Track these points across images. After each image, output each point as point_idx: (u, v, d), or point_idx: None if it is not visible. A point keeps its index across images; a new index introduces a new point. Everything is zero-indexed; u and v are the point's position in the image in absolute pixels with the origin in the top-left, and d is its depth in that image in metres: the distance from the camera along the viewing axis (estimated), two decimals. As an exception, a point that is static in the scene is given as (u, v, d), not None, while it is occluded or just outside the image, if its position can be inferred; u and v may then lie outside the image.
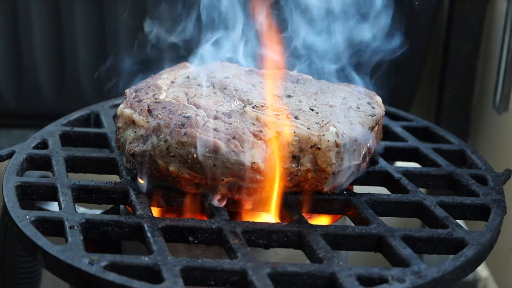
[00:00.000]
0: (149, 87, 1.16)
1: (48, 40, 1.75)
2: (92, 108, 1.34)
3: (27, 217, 0.99)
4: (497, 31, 1.70)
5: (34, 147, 1.19)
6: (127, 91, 1.17)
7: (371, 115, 1.12)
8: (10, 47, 1.75)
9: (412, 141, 1.28)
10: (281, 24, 1.22)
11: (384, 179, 1.18)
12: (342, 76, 1.24)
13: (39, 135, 1.23)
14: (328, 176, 1.05)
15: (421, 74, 1.84)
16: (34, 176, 1.15)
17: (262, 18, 1.18)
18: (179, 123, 1.05)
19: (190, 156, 1.03)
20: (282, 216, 1.06)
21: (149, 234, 0.97)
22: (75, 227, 0.98)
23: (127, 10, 1.71)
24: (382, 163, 1.19)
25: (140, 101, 1.12)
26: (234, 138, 1.03)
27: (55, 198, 1.07)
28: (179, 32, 1.27)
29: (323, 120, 1.07)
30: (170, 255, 0.93)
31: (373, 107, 1.15)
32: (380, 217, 1.05)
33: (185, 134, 1.03)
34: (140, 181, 1.08)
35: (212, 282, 0.91)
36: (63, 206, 1.03)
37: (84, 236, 0.97)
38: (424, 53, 1.80)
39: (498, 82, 1.62)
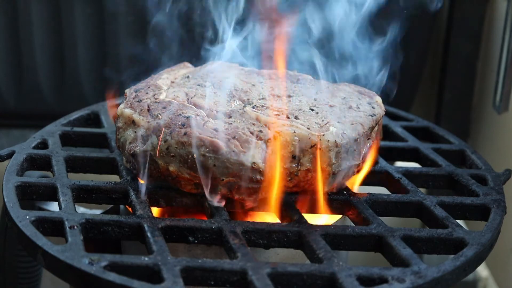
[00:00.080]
0: (149, 87, 1.16)
1: (48, 40, 1.75)
2: (92, 108, 1.34)
3: (27, 217, 0.99)
4: (497, 31, 1.70)
5: (34, 147, 1.19)
6: (127, 91, 1.17)
7: (371, 115, 1.12)
8: (10, 47, 1.75)
9: (412, 141, 1.29)
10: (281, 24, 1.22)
11: (384, 179, 1.18)
12: (343, 76, 1.24)
13: (39, 135, 1.23)
14: (328, 176, 1.05)
15: (421, 74, 1.84)
16: (34, 176, 1.15)
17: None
18: (179, 123, 1.05)
19: (190, 156, 1.03)
20: (282, 216, 1.06)
21: (149, 234, 0.97)
22: (75, 227, 0.98)
23: (127, 10, 1.71)
24: (382, 163, 1.19)
25: (140, 101, 1.12)
26: (234, 138, 1.03)
27: (55, 198, 1.07)
28: (180, 32, 1.27)
29: (323, 120, 1.07)
30: (170, 255, 0.93)
31: (373, 107, 1.15)
32: (380, 217, 1.05)
33: (185, 134, 1.03)
34: (140, 181, 1.08)
35: (212, 282, 0.91)
36: (63, 206, 1.03)
37: (84, 236, 0.97)
38: (424, 53, 1.80)
39: (498, 82, 1.62)
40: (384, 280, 0.91)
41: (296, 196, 1.08)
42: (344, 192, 1.10)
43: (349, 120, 1.09)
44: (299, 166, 1.04)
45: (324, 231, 1.00)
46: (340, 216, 1.12)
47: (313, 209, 1.08)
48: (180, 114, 1.06)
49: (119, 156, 1.16)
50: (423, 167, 1.23)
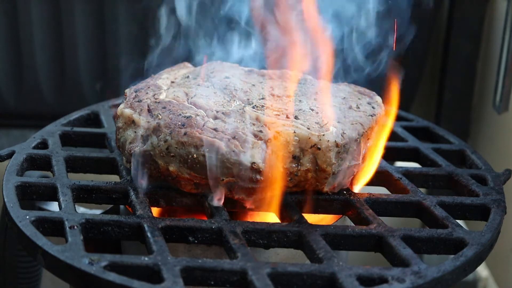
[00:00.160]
0: (149, 87, 1.16)
1: (48, 40, 1.75)
2: (92, 108, 1.34)
3: (27, 217, 0.99)
4: (497, 31, 1.70)
5: (34, 147, 1.19)
6: (127, 91, 1.17)
7: (371, 115, 1.12)
8: (10, 47, 1.75)
9: (412, 141, 1.29)
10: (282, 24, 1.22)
11: (384, 179, 1.17)
12: (343, 76, 1.24)
13: (39, 135, 1.23)
14: (328, 176, 1.05)
15: (421, 74, 1.84)
16: (34, 176, 1.15)
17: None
18: (179, 123, 1.05)
19: (190, 156, 1.03)
20: (282, 216, 1.06)
21: (149, 234, 0.97)
22: (75, 227, 0.98)
23: (127, 10, 1.71)
24: (382, 163, 1.19)
25: (140, 101, 1.12)
26: (234, 138, 1.03)
27: (55, 198, 1.07)
28: (180, 32, 1.27)
29: (323, 120, 1.07)
30: (170, 255, 0.93)
31: (373, 107, 1.15)
32: (380, 217, 1.05)
33: (185, 134, 1.03)
34: (140, 181, 1.08)
35: (212, 282, 0.91)
36: (63, 206, 1.03)
37: (84, 236, 0.97)
38: (424, 53, 1.80)
39: (498, 82, 1.62)
40: (384, 280, 0.91)
41: (296, 196, 1.08)
42: (344, 192, 1.10)
43: (349, 120, 1.09)
44: (299, 166, 1.04)
45: (324, 231, 1.00)
46: (340, 216, 1.12)
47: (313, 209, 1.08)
48: (180, 114, 1.06)
49: (119, 156, 1.16)
50: (423, 167, 1.23)
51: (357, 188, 1.14)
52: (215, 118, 1.07)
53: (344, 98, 1.16)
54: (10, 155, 1.16)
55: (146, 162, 1.05)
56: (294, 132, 1.04)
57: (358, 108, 1.13)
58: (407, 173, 1.17)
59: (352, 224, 1.07)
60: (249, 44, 1.25)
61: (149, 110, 1.08)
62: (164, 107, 1.08)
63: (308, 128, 1.05)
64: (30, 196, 1.09)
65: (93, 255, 0.91)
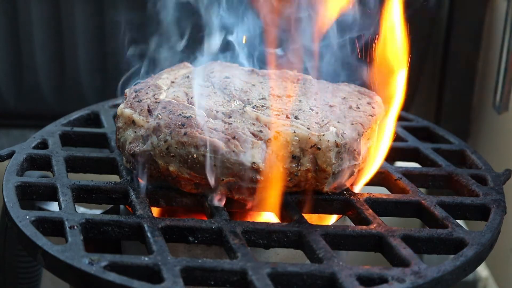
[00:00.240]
0: (149, 87, 1.16)
1: (48, 40, 1.75)
2: (92, 108, 1.34)
3: (27, 217, 0.99)
4: (497, 31, 1.70)
5: (34, 147, 1.19)
6: (127, 91, 1.17)
7: (371, 115, 1.12)
8: (10, 47, 1.75)
9: (412, 141, 1.29)
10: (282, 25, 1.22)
11: (384, 179, 1.18)
12: (343, 76, 1.24)
13: (39, 135, 1.23)
14: (328, 176, 1.05)
15: (421, 74, 1.84)
16: (34, 176, 1.15)
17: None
18: (179, 123, 1.05)
19: (190, 156, 1.03)
20: (282, 216, 1.06)
21: (149, 234, 0.97)
22: (75, 227, 0.98)
23: (127, 10, 1.71)
24: (382, 163, 1.19)
25: (140, 101, 1.12)
26: (234, 138, 1.03)
27: (55, 198, 1.07)
28: (180, 32, 1.27)
29: (323, 120, 1.07)
30: (170, 255, 0.93)
31: (373, 107, 1.15)
32: (380, 217, 1.05)
33: (185, 134, 1.03)
34: (140, 181, 1.08)
35: (212, 282, 0.91)
36: (63, 206, 1.03)
37: (84, 236, 0.97)
38: (424, 53, 1.80)
39: (498, 82, 1.62)
40: (384, 280, 0.91)
41: (296, 196, 1.08)
42: (344, 192, 1.10)
43: (349, 120, 1.09)
44: (299, 166, 1.04)
45: (324, 231, 1.00)
46: (340, 216, 1.12)
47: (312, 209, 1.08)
48: (180, 114, 1.06)
49: (119, 156, 1.16)
50: (423, 167, 1.23)
51: (357, 188, 1.14)
52: (215, 118, 1.07)
53: (344, 98, 1.16)
54: (10, 155, 1.16)
55: (146, 162, 1.05)
56: (294, 132, 1.04)
57: (358, 108, 1.13)
58: (407, 173, 1.17)
59: (352, 224, 1.07)
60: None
61: (149, 110, 1.08)
62: (164, 107, 1.08)
63: (308, 128, 1.05)
64: (30, 196, 1.09)
65: (93, 255, 0.91)
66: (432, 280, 0.91)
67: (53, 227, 1.00)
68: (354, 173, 1.10)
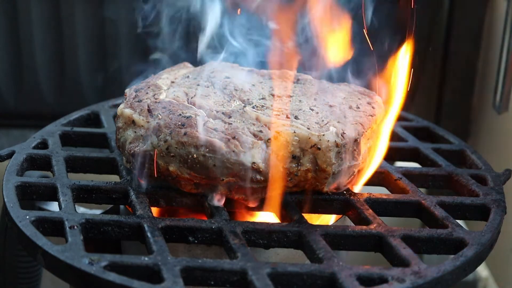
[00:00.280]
0: (149, 87, 1.16)
1: (48, 40, 1.75)
2: (92, 108, 1.34)
3: (27, 217, 0.99)
4: (497, 31, 1.70)
5: (34, 147, 1.19)
6: (127, 91, 1.17)
7: (371, 115, 1.12)
8: (10, 47, 1.75)
9: (412, 141, 1.29)
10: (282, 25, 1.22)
11: (384, 179, 1.18)
12: (343, 76, 1.24)
13: (39, 135, 1.23)
14: (328, 176, 1.05)
15: (421, 74, 1.83)
16: (34, 176, 1.15)
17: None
18: (179, 123, 1.05)
19: (190, 156, 1.03)
20: (282, 216, 1.06)
21: (149, 234, 0.97)
22: (75, 227, 0.98)
23: (127, 10, 1.71)
24: (382, 163, 1.19)
25: (140, 101, 1.12)
26: (234, 138, 1.03)
27: (55, 198, 1.07)
28: (180, 31, 1.27)
29: (323, 120, 1.07)
30: (170, 255, 0.93)
31: (373, 107, 1.15)
32: (380, 217, 1.05)
33: (185, 134, 1.03)
34: (140, 181, 1.08)
35: (212, 282, 0.91)
36: (63, 206, 1.03)
37: (84, 236, 0.97)
38: (424, 53, 1.80)
39: (498, 82, 1.62)
40: (384, 280, 0.91)
41: (296, 196, 1.08)
42: (344, 192, 1.10)
43: (349, 120, 1.09)
44: (299, 166, 1.04)
45: (324, 231, 1.00)
46: (340, 216, 1.12)
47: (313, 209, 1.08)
48: (180, 114, 1.06)
49: (119, 156, 1.16)
50: (423, 167, 1.23)
51: (357, 188, 1.14)
52: (215, 118, 1.07)
53: (344, 98, 1.16)
54: (10, 155, 1.16)
55: (146, 162, 1.05)
56: (294, 132, 1.04)
57: (358, 108, 1.13)
58: (407, 173, 1.17)
59: (352, 224, 1.07)
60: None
61: (149, 110, 1.08)
62: (164, 107, 1.08)
63: (308, 128, 1.05)
64: (30, 196, 1.09)
65: (93, 255, 0.91)
66: (432, 280, 0.91)
67: (53, 227, 1.00)
68: (354, 173, 1.10)
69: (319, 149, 1.03)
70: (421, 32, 1.75)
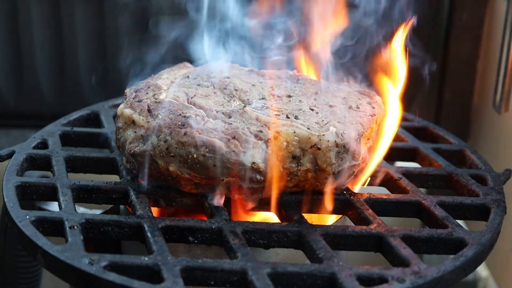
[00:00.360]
0: (149, 87, 1.16)
1: (48, 40, 1.75)
2: (92, 108, 1.34)
3: (27, 217, 0.99)
4: (497, 31, 1.70)
5: (34, 147, 1.19)
6: (127, 91, 1.17)
7: (371, 115, 1.12)
8: (10, 47, 1.75)
9: (412, 141, 1.29)
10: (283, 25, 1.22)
11: (384, 179, 1.17)
12: (342, 76, 1.24)
13: (39, 135, 1.23)
14: (328, 176, 1.05)
15: (421, 74, 1.83)
16: (34, 176, 1.15)
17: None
18: (179, 123, 1.05)
19: (190, 156, 1.03)
20: (282, 216, 1.06)
21: (149, 234, 0.97)
22: (75, 227, 0.98)
23: (128, 10, 1.71)
24: (382, 163, 1.19)
25: (140, 101, 1.12)
26: (234, 138, 1.03)
27: (55, 198, 1.07)
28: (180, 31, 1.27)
29: (323, 120, 1.07)
30: (170, 255, 0.93)
31: (373, 107, 1.15)
32: (380, 217, 1.05)
33: (185, 134, 1.03)
34: (140, 181, 1.08)
35: (212, 282, 0.91)
36: (63, 206, 1.03)
37: (84, 236, 0.97)
38: (424, 52, 1.80)
39: (498, 82, 1.62)
40: (384, 280, 0.91)
41: (296, 196, 1.08)
42: (344, 192, 1.10)
43: (349, 120, 1.09)
44: (299, 166, 1.04)
45: (324, 231, 1.00)
46: (340, 216, 1.12)
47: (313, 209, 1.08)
48: (180, 114, 1.06)
49: (119, 156, 1.16)
50: (423, 167, 1.23)
51: (357, 188, 1.14)
52: (215, 118, 1.07)
53: (344, 98, 1.16)
54: (10, 155, 1.16)
55: (146, 162, 1.05)
56: (294, 132, 1.04)
57: (358, 108, 1.13)
58: (407, 173, 1.17)
59: (352, 224, 1.07)
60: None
61: (149, 110, 1.08)
62: (164, 107, 1.08)
63: (308, 128, 1.05)
64: (30, 196, 1.09)
65: (93, 255, 0.91)
66: (432, 280, 0.91)
67: (53, 227, 1.00)
68: (354, 173, 1.10)
69: (319, 149, 1.03)
70: (421, 32, 1.74)
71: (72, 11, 1.72)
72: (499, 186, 1.14)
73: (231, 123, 1.06)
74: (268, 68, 1.24)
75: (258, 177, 1.02)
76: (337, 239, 1.00)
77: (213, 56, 1.25)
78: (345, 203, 1.09)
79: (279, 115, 1.08)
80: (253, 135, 1.04)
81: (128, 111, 1.10)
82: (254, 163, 1.02)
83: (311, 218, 1.11)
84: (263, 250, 1.04)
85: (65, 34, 1.74)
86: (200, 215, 1.08)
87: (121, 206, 1.18)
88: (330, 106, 1.12)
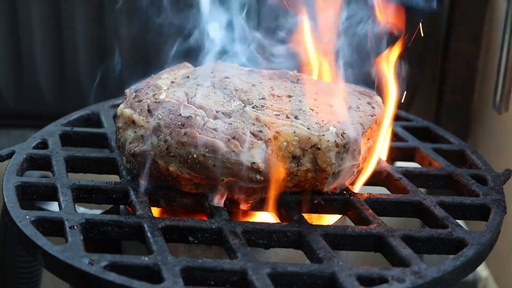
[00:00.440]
0: (149, 87, 1.16)
1: (48, 40, 1.75)
2: (92, 108, 1.34)
3: (27, 217, 0.99)
4: (497, 31, 1.70)
5: (34, 147, 1.19)
6: (127, 91, 1.17)
7: (371, 115, 1.12)
8: (10, 47, 1.75)
9: (412, 141, 1.29)
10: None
11: (384, 179, 1.17)
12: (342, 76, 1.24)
13: (39, 135, 1.23)
14: (328, 176, 1.05)
15: (421, 74, 1.83)
16: (34, 176, 1.15)
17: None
18: (179, 123, 1.05)
19: (190, 156, 1.03)
20: (282, 216, 1.06)
21: (149, 234, 0.97)
22: (75, 227, 0.98)
23: (128, 10, 1.71)
24: (382, 163, 1.19)
25: (140, 101, 1.12)
26: (234, 138, 1.03)
27: (55, 198, 1.07)
28: (180, 31, 1.27)
29: (323, 120, 1.07)
30: (170, 255, 0.93)
31: (373, 107, 1.15)
32: (380, 217, 1.05)
33: (185, 134, 1.03)
34: (140, 181, 1.08)
35: (212, 282, 0.91)
36: (63, 206, 1.03)
37: (84, 236, 0.97)
38: (424, 53, 1.80)
39: (498, 82, 1.62)
40: (384, 280, 0.91)
41: (296, 196, 1.08)
42: (344, 192, 1.10)
43: (349, 120, 1.09)
44: (299, 166, 1.04)
45: (324, 231, 1.00)
46: (340, 216, 1.12)
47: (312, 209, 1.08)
48: (180, 114, 1.06)
49: (119, 156, 1.16)
50: (423, 167, 1.23)
51: (357, 188, 1.14)
52: (215, 118, 1.07)
53: (344, 98, 1.15)
54: (10, 155, 1.16)
55: (146, 162, 1.05)
56: (294, 132, 1.04)
57: (358, 108, 1.13)
58: (407, 173, 1.17)
59: (352, 224, 1.07)
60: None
61: (149, 110, 1.08)
62: (164, 107, 1.08)
63: (308, 128, 1.05)
64: (30, 196, 1.09)
65: (93, 255, 0.91)
66: (432, 280, 0.91)
67: (53, 227, 1.00)
68: (354, 173, 1.10)
69: (319, 149, 1.03)
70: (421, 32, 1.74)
71: (72, 11, 1.72)
72: (499, 186, 1.14)
73: (231, 123, 1.06)
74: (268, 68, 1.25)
75: (258, 177, 1.02)
76: (337, 239, 1.00)
77: (213, 56, 1.25)
78: (345, 203, 1.09)
79: (279, 115, 1.08)
80: (253, 135, 1.04)
81: (128, 111, 1.10)
82: (254, 163, 1.02)
83: (311, 218, 1.11)
84: (263, 250, 1.04)
85: (65, 34, 1.74)
86: (200, 215, 1.08)
87: (121, 206, 1.18)
88: (330, 106, 1.12)
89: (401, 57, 1.22)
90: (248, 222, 1.02)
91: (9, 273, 1.43)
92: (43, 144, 1.21)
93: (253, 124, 1.06)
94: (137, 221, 1.00)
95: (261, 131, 1.04)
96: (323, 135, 1.04)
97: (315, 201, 1.08)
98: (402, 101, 1.20)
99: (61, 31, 1.74)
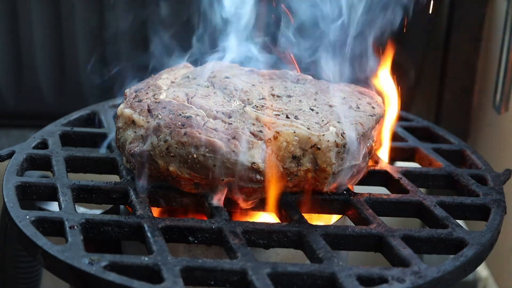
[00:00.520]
0: (149, 87, 1.16)
1: (48, 40, 1.75)
2: (92, 108, 1.34)
3: (27, 217, 0.99)
4: (497, 31, 1.70)
5: (34, 147, 1.19)
6: (127, 91, 1.17)
7: (371, 115, 1.12)
8: (10, 47, 1.75)
9: (412, 141, 1.29)
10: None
11: (384, 179, 1.17)
12: (342, 76, 1.24)
13: (39, 135, 1.23)
14: (328, 176, 1.05)
15: (421, 74, 1.83)
16: (34, 176, 1.15)
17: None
18: (179, 123, 1.05)
19: (190, 156, 1.03)
20: (282, 216, 1.06)
21: (149, 234, 0.97)
22: (75, 227, 0.98)
23: (128, 10, 1.71)
24: (382, 163, 1.19)
25: (140, 101, 1.12)
26: (234, 138, 1.03)
27: (55, 198, 1.07)
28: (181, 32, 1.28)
29: (323, 120, 1.07)
30: (170, 255, 0.93)
31: (373, 107, 1.15)
32: (380, 217, 1.05)
33: (185, 134, 1.03)
34: (140, 181, 1.08)
35: (212, 282, 0.91)
36: (63, 206, 1.03)
37: (84, 236, 0.97)
38: (424, 52, 1.80)
39: (498, 82, 1.62)
40: (384, 280, 0.91)
41: (296, 196, 1.08)
42: (344, 192, 1.10)
43: (349, 120, 1.09)
44: (299, 166, 1.04)
45: (324, 231, 1.00)
46: (340, 216, 1.12)
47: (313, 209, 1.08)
48: (180, 114, 1.06)
49: (119, 156, 1.16)
50: (423, 167, 1.23)
51: (357, 188, 1.14)
52: (215, 118, 1.07)
53: (344, 98, 1.16)
54: (10, 155, 1.16)
55: (146, 162, 1.05)
56: (294, 132, 1.04)
57: (358, 108, 1.13)
58: (407, 173, 1.17)
59: (352, 224, 1.07)
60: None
61: (149, 110, 1.08)
62: (164, 107, 1.08)
63: (308, 128, 1.05)
64: (30, 196, 1.09)
65: (93, 255, 0.91)
66: (432, 280, 0.91)
67: (53, 227, 1.00)
68: (354, 173, 1.10)
69: (319, 149, 1.03)
70: (421, 32, 1.75)
71: (72, 11, 1.72)
72: (499, 186, 1.14)
73: (231, 123, 1.06)
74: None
75: (258, 177, 1.02)
76: (337, 239, 1.00)
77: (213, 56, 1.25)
78: (345, 203, 1.09)
79: (279, 115, 1.08)
80: (253, 135, 1.04)
81: (128, 111, 1.10)
82: (254, 163, 1.02)
83: (311, 218, 1.11)
84: (263, 250, 1.04)
85: (65, 34, 1.74)
86: (200, 215, 1.08)
87: (121, 206, 1.18)
88: (330, 106, 1.12)
89: (401, 57, 1.23)
90: (248, 222, 1.02)
91: (9, 273, 1.43)
92: (43, 144, 1.21)
93: (253, 124, 1.06)
94: (137, 221, 1.00)
95: (261, 131, 1.04)
96: (323, 135, 1.04)
97: (315, 201, 1.08)
98: (402, 101, 1.20)
99: (61, 31, 1.74)
